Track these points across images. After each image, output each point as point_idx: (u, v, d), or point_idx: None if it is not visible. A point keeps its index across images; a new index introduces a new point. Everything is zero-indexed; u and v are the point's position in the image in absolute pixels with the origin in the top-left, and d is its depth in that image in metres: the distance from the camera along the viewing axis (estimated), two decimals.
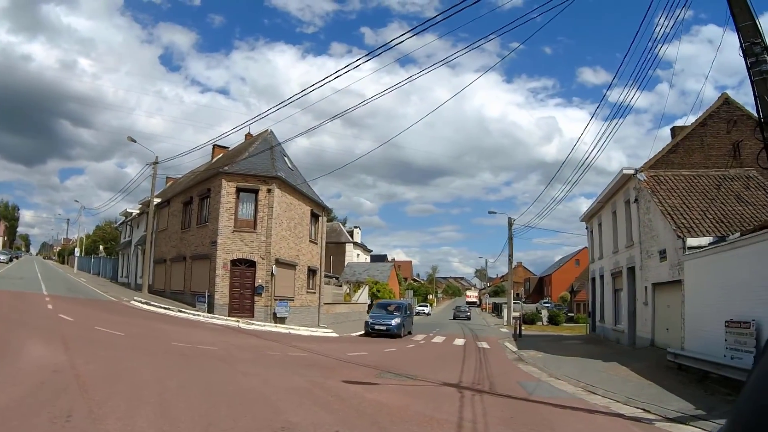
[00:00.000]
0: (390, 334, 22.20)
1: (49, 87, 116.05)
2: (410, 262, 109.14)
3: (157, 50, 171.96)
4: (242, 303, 23.14)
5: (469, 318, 49.01)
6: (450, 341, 22.34)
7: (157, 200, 30.30)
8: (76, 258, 46.47)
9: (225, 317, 21.46)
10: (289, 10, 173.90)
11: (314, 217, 30.29)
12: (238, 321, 20.84)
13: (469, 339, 23.78)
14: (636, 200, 18.08)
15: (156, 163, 29.14)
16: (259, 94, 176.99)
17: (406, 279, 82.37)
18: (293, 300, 25.47)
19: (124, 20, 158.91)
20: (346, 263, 58.55)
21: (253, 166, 25.10)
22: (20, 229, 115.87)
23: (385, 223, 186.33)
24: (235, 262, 23.42)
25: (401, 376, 10.48)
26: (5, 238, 70.33)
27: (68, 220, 49.13)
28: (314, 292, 29.48)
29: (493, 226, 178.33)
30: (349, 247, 62.40)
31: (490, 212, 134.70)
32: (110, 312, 17.92)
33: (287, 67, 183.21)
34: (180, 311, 20.92)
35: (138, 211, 36.71)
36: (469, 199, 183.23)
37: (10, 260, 46.27)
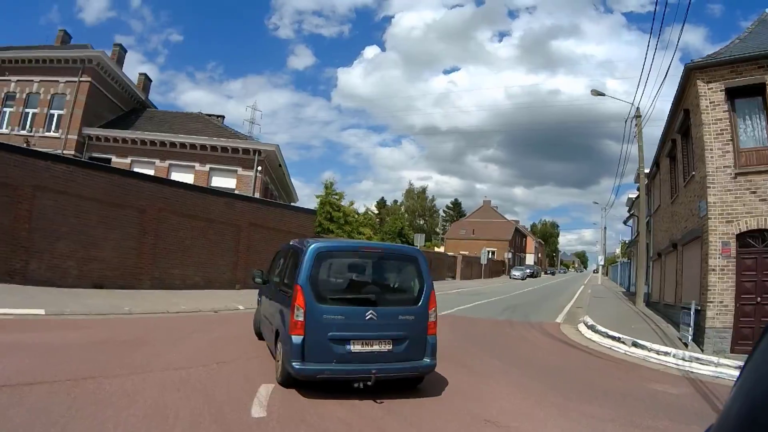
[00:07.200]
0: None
1: (583, 113, 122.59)
2: None
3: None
4: (762, 325, 10.46)
5: None
6: None
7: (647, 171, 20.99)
8: (596, 266, 41.13)
9: (720, 356, 9.59)
10: None
11: None
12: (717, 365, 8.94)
13: None
14: None
15: (638, 116, 20.59)
16: None
17: None
18: None
19: (632, 35, 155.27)
20: None
21: (747, 48, 12.47)
22: (580, 248, 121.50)
23: None
24: (745, 238, 11.30)
25: None
26: (539, 256, 73.57)
27: (604, 228, 44.40)
28: None
29: None
30: None
31: None
32: (481, 345, 10.35)
33: None
34: (634, 345, 10.99)
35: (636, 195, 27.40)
36: None
37: (531, 276, 45.68)
